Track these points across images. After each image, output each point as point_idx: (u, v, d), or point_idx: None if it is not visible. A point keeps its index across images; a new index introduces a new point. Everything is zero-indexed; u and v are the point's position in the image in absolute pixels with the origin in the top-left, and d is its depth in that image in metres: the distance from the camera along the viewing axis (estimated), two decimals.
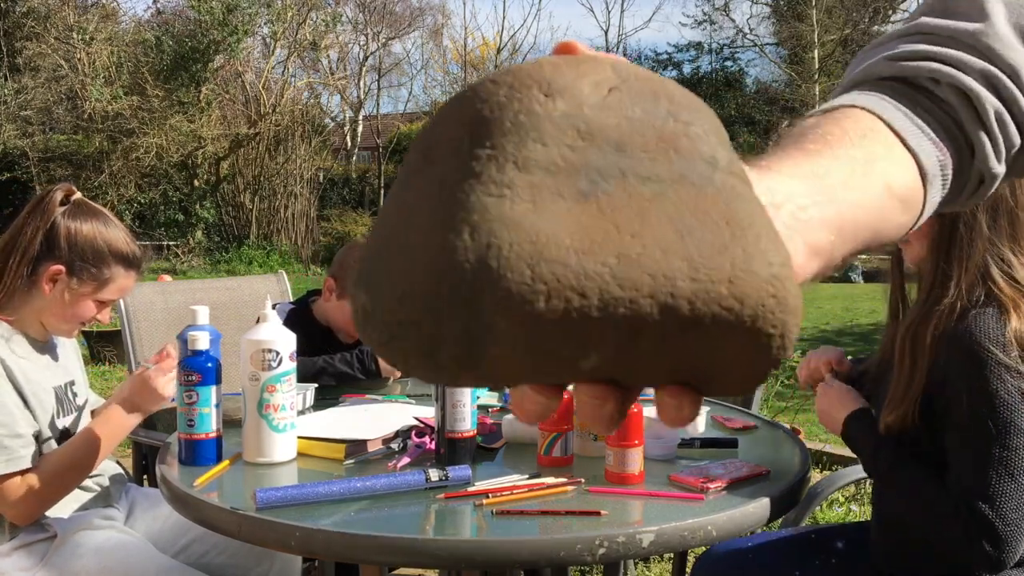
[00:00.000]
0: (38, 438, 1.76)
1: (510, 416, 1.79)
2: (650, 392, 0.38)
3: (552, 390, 0.37)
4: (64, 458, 1.76)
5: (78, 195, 1.86)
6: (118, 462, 2.09)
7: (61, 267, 1.78)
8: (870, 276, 13.34)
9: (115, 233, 1.84)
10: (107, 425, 1.79)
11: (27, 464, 1.70)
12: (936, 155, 0.52)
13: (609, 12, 47.33)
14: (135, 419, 1.84)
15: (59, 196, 1.82)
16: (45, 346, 1.87)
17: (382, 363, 2.24)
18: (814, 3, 21.21)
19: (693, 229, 0.34)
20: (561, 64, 0.37)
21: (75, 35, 17.89)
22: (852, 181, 0.47)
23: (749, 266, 0.34)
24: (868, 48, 0.60)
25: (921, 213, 0.52)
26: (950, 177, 0.53)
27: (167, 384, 1.82)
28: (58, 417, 1.82)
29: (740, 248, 0.35)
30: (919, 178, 0.51)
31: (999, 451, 1.40)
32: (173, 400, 1.75)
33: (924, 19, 0.57)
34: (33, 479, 1.71)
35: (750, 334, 0.34)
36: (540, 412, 0.37)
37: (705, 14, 25.27)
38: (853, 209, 0.47)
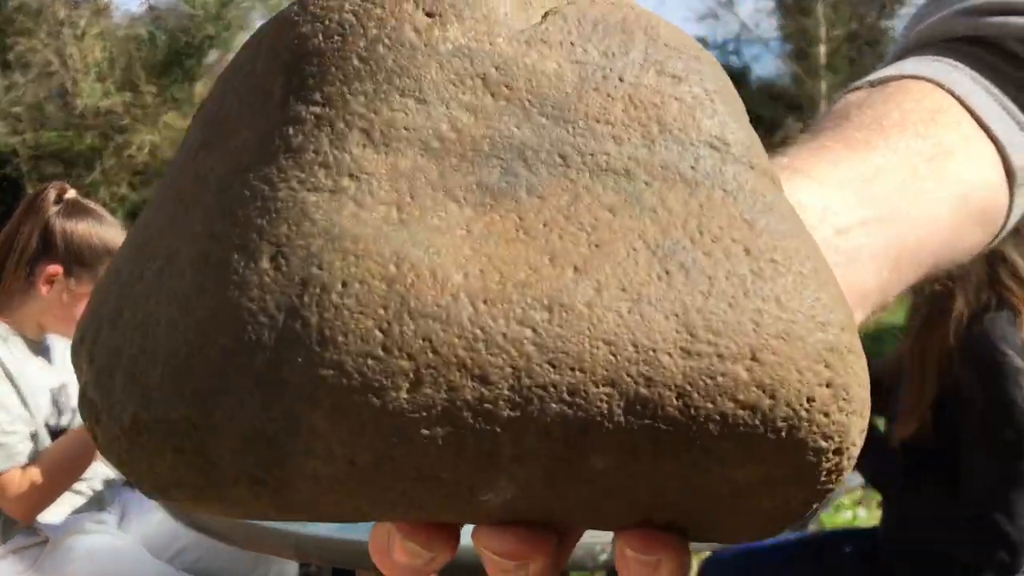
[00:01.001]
0: (34, 438, 1.75)
1: None
2: None
3: (437, 532, 0.23)
4: (56, 455, 1.74)
5: (71, 193, 1.85)
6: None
7: (58, 267, 1.77)
8: None
9: (110, 231, 1.83)
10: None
11: (25, 459, 1.69)
12: None
13: None
14: None
15: (52, 195, 1.81)
16: (40, 348, 1.86)
17: None
18: None
19: (688, 262, 0.21)
20: None
21: (66, 30, 17.83)
22: (916, 188, 0.33)
23: (788, 330, 0.20)
24: (929, 1, 0.45)
25: (1003, 228, 0.39)
26: None
27: None
28: (52, 419, 1.81)
29: (771, 297, 0.21)
30: (1004, 179, 0.37)
31: (1016, 461, 1.38)
32: None
33: None
34: (32, 475, 1.70)
35: (784, 450, 0.20)
36: (414, 568, 0.23)
37: (709, 9, 25.36)
38: (916, 230, 0.33)
